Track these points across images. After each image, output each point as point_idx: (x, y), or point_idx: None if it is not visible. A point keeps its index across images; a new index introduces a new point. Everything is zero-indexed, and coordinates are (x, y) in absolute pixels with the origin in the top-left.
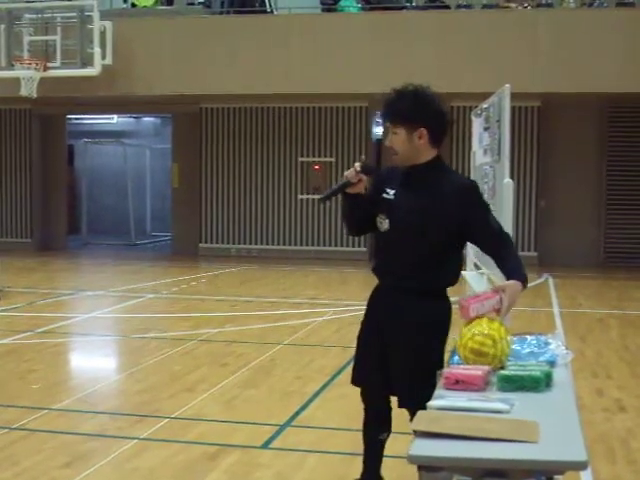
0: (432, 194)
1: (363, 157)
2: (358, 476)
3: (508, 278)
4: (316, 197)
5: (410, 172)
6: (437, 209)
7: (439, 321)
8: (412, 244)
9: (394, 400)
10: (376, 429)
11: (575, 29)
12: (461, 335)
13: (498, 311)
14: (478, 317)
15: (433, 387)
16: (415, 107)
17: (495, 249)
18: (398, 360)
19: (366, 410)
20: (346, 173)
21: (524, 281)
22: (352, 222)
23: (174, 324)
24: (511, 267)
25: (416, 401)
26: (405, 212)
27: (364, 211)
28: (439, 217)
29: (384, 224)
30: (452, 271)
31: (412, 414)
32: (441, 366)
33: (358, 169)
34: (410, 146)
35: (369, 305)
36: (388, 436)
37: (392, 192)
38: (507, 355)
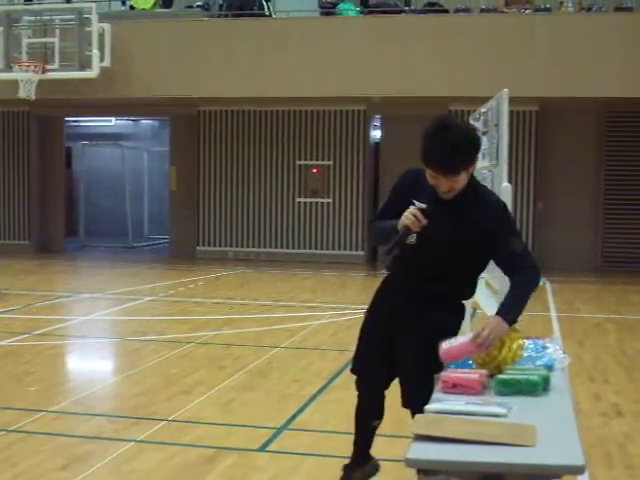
0: (464, 217)
1: (420, 204)
2: (347, 462)
3: (497, 311)
4: (313, 200)
5: (451, 199)
6: (467, 232)
7: (450, 327)
8: (436, 261)
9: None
10: (370, 416)
11: (573, 33)
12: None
13: (476, 346)
14: (454, 355)
15: (431, 390)
16: (470, 146)
17: (510, 272)
18: (407, 363)
19: (361, 397)
20: (407, 222)
21: (510, 320)
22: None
23: (171, 327)
24: (507, 301)
25: (422, 403)
26: (435, 232)
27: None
28: (468, 239)
29: (410, 237)
30: (470, 286)
31: (414, 415)
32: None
33: (423, 222)
34: (465, 180)
35: (378, 299)
36: (380, 423)
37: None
38: (509, 364)
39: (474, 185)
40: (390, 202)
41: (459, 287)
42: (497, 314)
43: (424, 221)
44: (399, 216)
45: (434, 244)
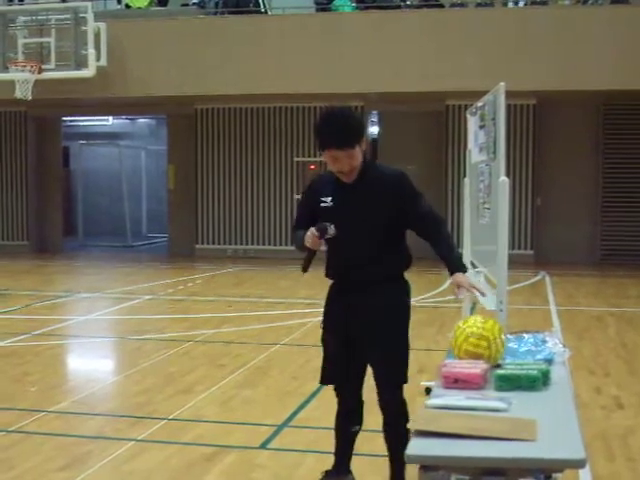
0: (368, 192)
1: (313, 230)
2: (330, 470)
3: (449, 269)
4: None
5: (353, 182)
6: (375, 205)
7: (399, 302)
8: (360, 241)
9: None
10: (348, 422)
11: (570, 26)
12: (455, 336)
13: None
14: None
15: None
16: (357, 122)
17: (427, 232)
18: (368, 345)
19: (338, 403)
20: (308, 244)
21: (464, 269)
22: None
23: (171, 325)
24: (450, 260)
25: (393, 403)
26: (347, 214)
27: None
28: (378, 212)
29: (330, 231)
30: (404, 257)
31: (385, 415)
32: (407, 343)
33: (317, 236)
34: (361, 157)
35: (328, 306)
36: (359, 430)
37: (329, 199)
38: (501, 353)
39: (369, 164)
40: (301, 209)
41: (391, 262)
42: (453, 272)
43: (319, 243)
44: (312, 221)
45: (352, 230)
